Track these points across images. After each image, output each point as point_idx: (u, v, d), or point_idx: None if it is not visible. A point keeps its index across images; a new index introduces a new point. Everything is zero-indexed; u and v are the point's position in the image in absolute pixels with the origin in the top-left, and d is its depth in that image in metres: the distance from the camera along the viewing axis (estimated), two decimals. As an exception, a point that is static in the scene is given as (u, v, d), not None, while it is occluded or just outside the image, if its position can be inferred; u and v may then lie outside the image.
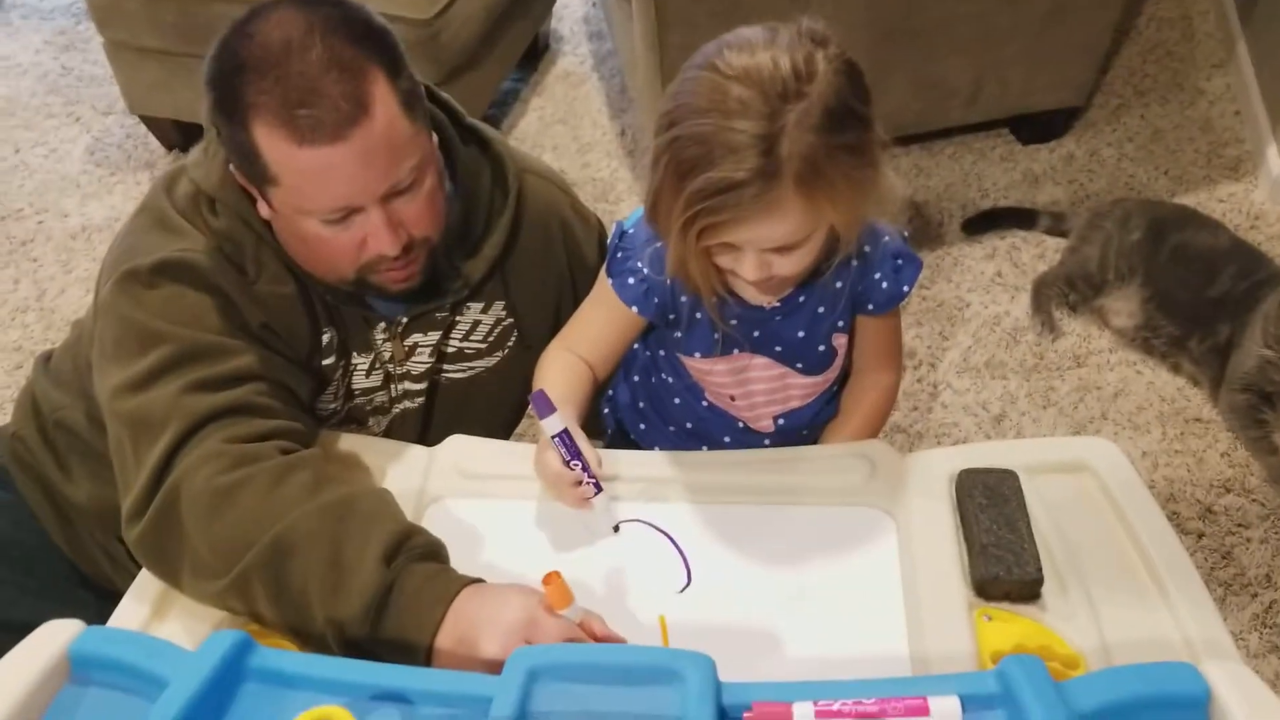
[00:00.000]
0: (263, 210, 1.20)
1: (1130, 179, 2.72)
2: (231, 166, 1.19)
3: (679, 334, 1.28)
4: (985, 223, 2.63)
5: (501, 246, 1.34)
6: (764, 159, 0.97)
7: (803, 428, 1.36)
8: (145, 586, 1.11)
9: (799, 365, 1.28)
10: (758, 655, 1.02)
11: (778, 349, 1.26)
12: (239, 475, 1.07)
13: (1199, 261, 2.23)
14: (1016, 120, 2.83)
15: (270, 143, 1.09)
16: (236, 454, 1.09)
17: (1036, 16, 2.48)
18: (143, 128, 3.01)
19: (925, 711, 0.79)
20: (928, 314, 2.43)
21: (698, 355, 1.28)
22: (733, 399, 1.33)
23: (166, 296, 1.17)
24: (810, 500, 1.17)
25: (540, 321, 1.44)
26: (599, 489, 1.13)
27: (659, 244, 1.16)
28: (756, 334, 1.25)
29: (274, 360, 1.20)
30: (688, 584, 1.10)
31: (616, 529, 1.15)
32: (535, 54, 3.23)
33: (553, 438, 1.11)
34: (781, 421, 1.35)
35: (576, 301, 1.46)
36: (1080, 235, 2.42)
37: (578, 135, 2.99)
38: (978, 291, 2.47)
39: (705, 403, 1.35)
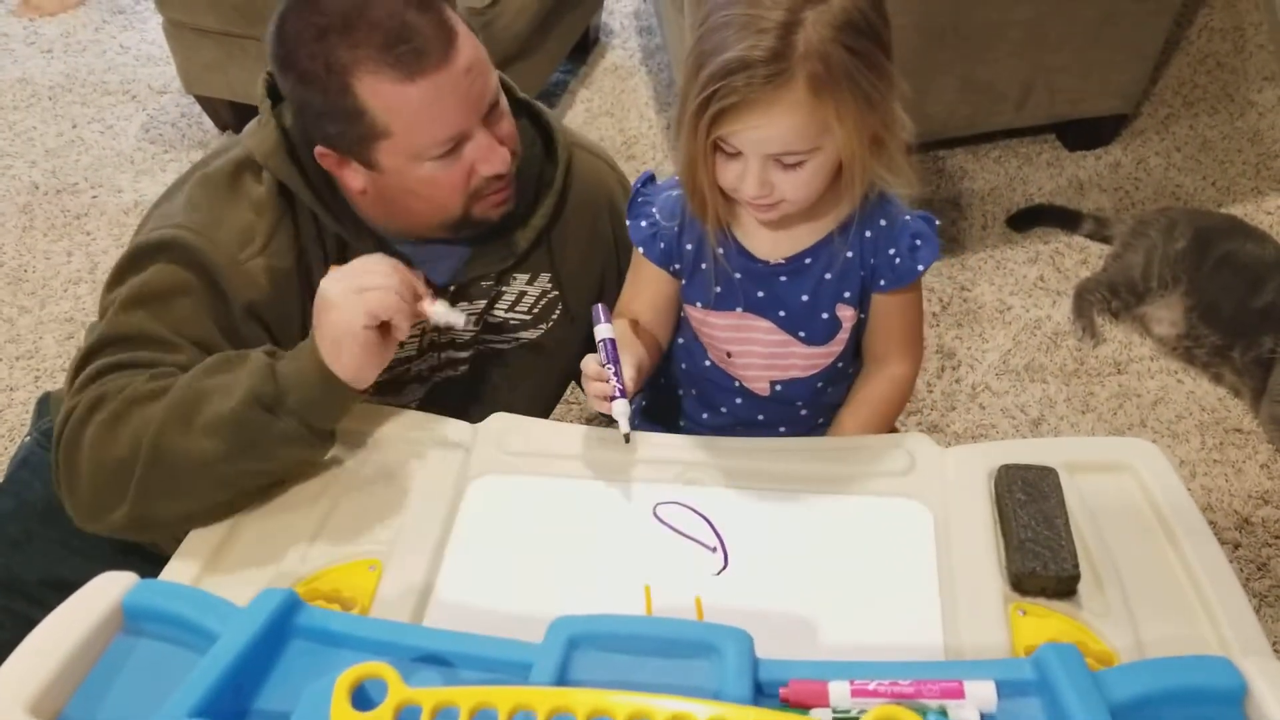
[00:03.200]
0: (354, 183, 1.24)
1: (1177, 188, 2.71)
2: (319, 150, 1.22)
3: (683, 281, 1.30)
4: (1030, 219, 2.63)
5: (549, 217, 1.37)
6: (779, 42, 1.01)
7: (799, 399, 1.36)
8: (192, 549, 1.13)
9: (802, 334, 1.28)
10: (792, 640, 1.03)
11: (781, 314, 1.27)
12: (119, 401, 1.12)
13: (1244, 272, 2.22)
14: (1064, 126, 2.82)
15: (378, 90, 1.13)
16: (114, 390, 1.14)
17: (1088, 23, 2.47)
18: (197, 107, 3.07)
19: (960, 694, 0.80)
20: (968, 315, 2.42)
21: (698, 304, 1.30)
22: (729, 355, 1.33)
23: (145, 277, 1.21)
24: (849, 490, 1.17)
25: (585, 295, 1.46)
26: (621, 395, 1.16)
27: (674, 192, 1.24)
28: (761, 294, 1.26)
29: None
30: (724, 567, 1.11)
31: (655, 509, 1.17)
32: (585, 47, 3.25)
33: (599, 341, 1.19)
34: (779, 388, 1.35)
35: (620, 276, 1.48)
36: (1124, 242, 2.41)
37: (624, 128, 3.01)
38: (1019, 295, 2.47)
39: (708, 362, 1.37)
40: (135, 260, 1.23)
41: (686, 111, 1.09)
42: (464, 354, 1.38)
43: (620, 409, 1.16)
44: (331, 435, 1.18)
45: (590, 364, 1.20)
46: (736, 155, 1.10)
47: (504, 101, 1.25)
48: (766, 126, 1.06)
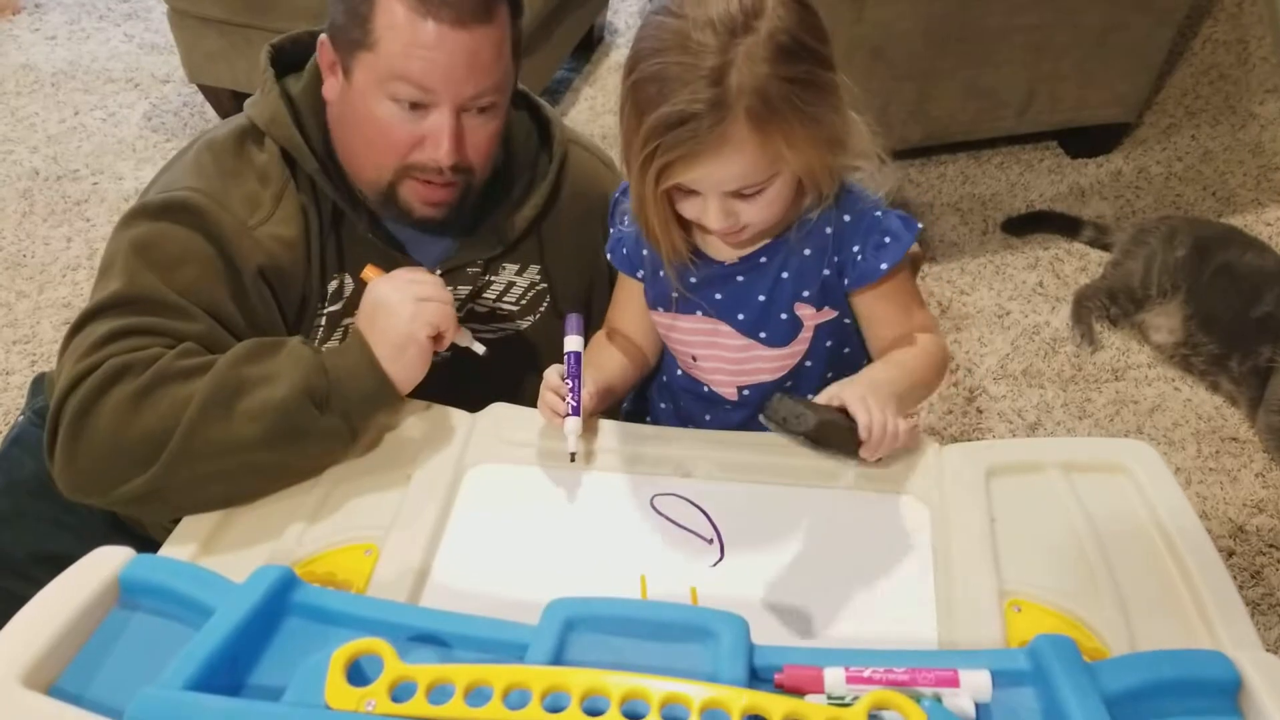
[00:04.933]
0: (329, 91, 1.25)
1: (1178, 198, 2.72)
2: (322, 38, 1.23)
3: (645, 287, 1.30)
4: (1028, 224, 2.63)
5: (539, 209, 1.37)
6: (714, 89, 0.99)
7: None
8: (188, 532, 1.12)
9: (763, 335, 1.26)
10: (787, 631, 1.03)
11: (740, 317, 1.25)
12: (149, 376, 1.11)
13: (1243, 281, 2.22)
14: (1066, 133, 2.83)
15: (391, 5, 1.15)
16: (140, 361, 1.13)
17: (1092, 32, 2.48)
18: (200, 96, 3.07)
19: (955, 683, 0.80)
20: (967, 320, 2.43)
21: (660, 310, 1.29)
22: (694, 359, 1.32)
23: (154, 233, 1.21)
24: (846, 485, 1.17)
25: (573, 289, 1.46)
26: (574, 414, 1.17)
27: None
28: (719, 296, 1.24)
29: (230, 332, 1.22)
30: (720, 559, 1.10)
31: (652, 501, 1.16)
32: (589, 45, 3.26)
33: (566, 353, 1.21)
34: (746, 393, 1.32)
35: (611, 277, 1.48)
36: (1124, 249, 2.42)
37: (627, 126, 3.01)
38: (1019, 300, 2.47)
39: (680, 371, 1.36)
40: (146, 211, 1.22)
41: (632, 159, 1.07)
42: (449, 352, 1.38)
43: (571, 427, 1.16)
44: (360, 436, 1.19)
45: (552, 376, 1.20)
46: (694, 192, 1.09)
47: (496, 121, 1.25)
48: (718, 170, 1.04)
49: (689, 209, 1.11)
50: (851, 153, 1.12)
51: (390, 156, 1.23)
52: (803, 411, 1.03)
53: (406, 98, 1.18)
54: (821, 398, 1.09)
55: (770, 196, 1.09)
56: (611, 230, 1.30)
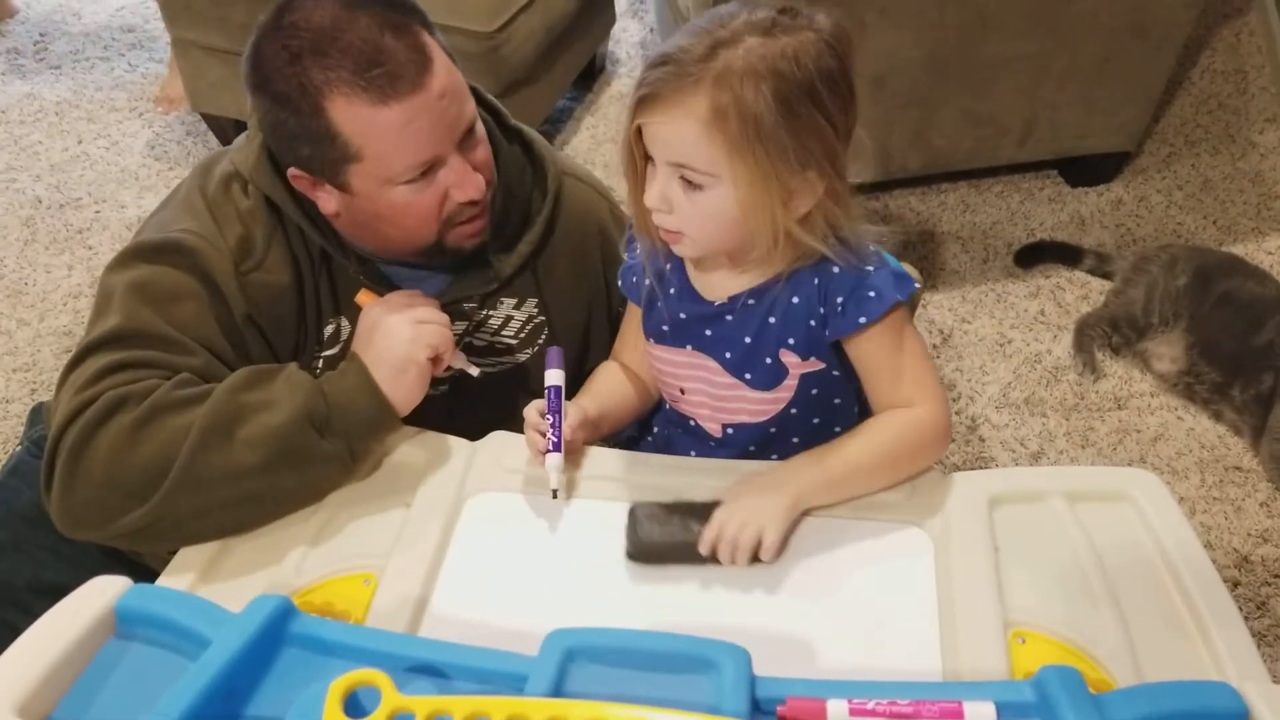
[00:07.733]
0: (328, 206, 1.24)
1: (1178, 227, 2.72)
2: (292, 171, 1.22)
3: (643, 316, 1.30)
4: (1033, 255, 2.63)
5: (535, 244, 1.37)
6: (705, 51, 1.02)
7: (752, 443, 1.31)
8: (187, 562, 1.12)
9: (748, 376, 1.24)
10: (789, 662, 1.02)
11: (727, 355, 1.24)
12: (146, 407, 1.11)
13: (1245, 309, 2.22)
14: (1066, 162, 2.83)
15: (350, 113, 1.13)
16: (137, 392, 1.13)
17: (1091, 60, 2.48)
18: (203, 125, 3.07)
19: (960, 715, 0.79)
20: (969, 348, 2.42)
21: (653, 340, 1.29)
22: (682, 392, 1.30)
23: (150, 274, 1.21)
24: (847, 513, 1.16)
25: (572, 321, 1.46)
26: (555, 449, 1.16)
27: None
28: (709, 333, 1.23)
29: (226, 368, 1.22)
30: (723, 588, 1.10)
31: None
32: (591, 74, 3.27)
33: (546, 388, 1.20)
34: (730, 431, 1.30)
35: (609, 305, 1.48)
36: (1126, 278, 2.42)
37: (628, 155, 3.01)
38: (1020, 328, 2.47)
39: (668, 405, 1.36)
40: (140, 253, 1.23)
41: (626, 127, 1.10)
42: (446, 374, 1.38)
43: (553, 463, 1.16)
44: (360, 460, 1.19)
45: (532, 413, 1.21)
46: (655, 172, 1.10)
47: (480, 128, 1.25)
48: (667, 124, 1.04)
49: (650, 193, 1.10)
50: (794, 214, 1.09)
51: (429, 225, 1.25)
52: (649, 529, 1.11)
53: (416, 175, 1.19)
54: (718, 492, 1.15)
55: (706, 206, 1.08)
56: (626, 257, 1.30)
